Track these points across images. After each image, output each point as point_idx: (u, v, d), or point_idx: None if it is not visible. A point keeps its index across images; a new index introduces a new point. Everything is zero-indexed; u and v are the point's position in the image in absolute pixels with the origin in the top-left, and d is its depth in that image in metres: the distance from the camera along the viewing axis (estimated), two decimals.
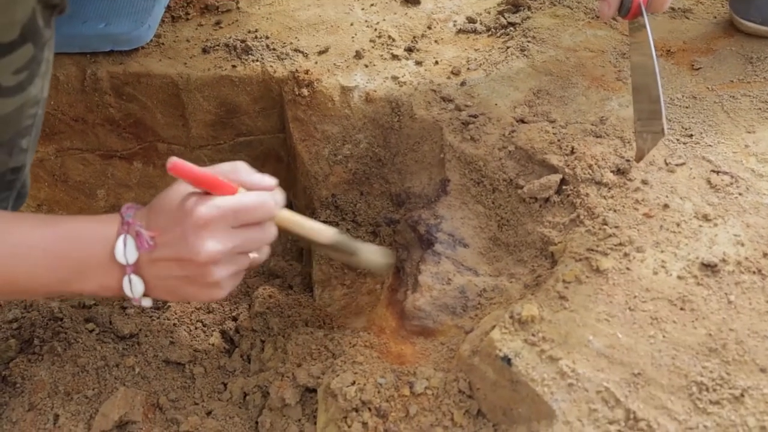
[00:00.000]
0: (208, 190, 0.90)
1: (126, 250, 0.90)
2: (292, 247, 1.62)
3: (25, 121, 0.99)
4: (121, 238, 0.90)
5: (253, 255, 0.99)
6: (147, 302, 0.96)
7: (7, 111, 0.94)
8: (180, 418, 1.24)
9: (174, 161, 0.87)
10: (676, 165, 1.13)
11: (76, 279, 0.91)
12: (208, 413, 1.25)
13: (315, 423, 1.13)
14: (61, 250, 0.89)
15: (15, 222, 0.89)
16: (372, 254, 1.09)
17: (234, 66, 1.49)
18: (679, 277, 0.97)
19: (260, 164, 1.64)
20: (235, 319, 1.45)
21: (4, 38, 0.87)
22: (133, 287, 0.92)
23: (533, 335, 0.95)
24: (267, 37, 1.54)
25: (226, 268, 0.94)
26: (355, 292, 1.38)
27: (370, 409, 1.04)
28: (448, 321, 1.16)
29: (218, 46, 1.54)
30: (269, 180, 0.97)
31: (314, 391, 1.17)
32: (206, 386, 1.31)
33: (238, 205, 0.92)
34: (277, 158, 1.64)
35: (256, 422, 1.22)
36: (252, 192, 0.94)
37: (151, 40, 1.55)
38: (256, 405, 1.24)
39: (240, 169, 0.95)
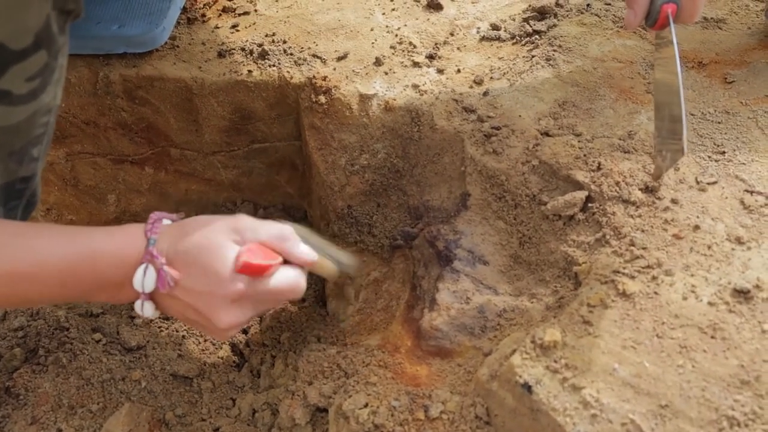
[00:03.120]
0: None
1: (144, 281, 0.91)
2: None
3: (36, 129, 0.97)
4: (142, 267, 0.91)
5: None
6: (154, 316, 0.98)
7: (19, 119, 0.92)
8: None
9: (244, 261, 0.93)
10: (708, 183, 1.09)
11: (91, 294, 0.93)
12: (216, 430, 1.23)
13: None
14: (78, 272, 0.89)
15: (34, 237, 0.88)
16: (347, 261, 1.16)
17: (250, 71, 1.46)
18: (710, 304, 0.92)
19: (275, 172, 1.62)
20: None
21: (17, 45, 0.84)
22: (144, 310, 0.95)
23: (555, 362, 0.91)
24: (284, 42, 1.51)
25: (237, 330, 1.00)
26: (369, 308, 1.35)
27: None
28: (466, 342, 1.12)
29: (234, 49, 1.51)
30: (311, 256, 1.04)
31: (325, 410, 1.14)
32: (214, 402, 1.29)
33: (275, 288, 0.98)
34: (292, 166, 1.60)
35: None
36: (290, 273, 1.01)
37: (166, 43, 1.52)
38: (265, 423, 1.21)
39: (288, 238, 1.01)
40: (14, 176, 0.98)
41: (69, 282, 0.88)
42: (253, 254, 0.95)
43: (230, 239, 0.96)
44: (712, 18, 1.49)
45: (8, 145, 0.93)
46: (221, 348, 1.39)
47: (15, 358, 1.28)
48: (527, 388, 0.90)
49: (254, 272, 0.95)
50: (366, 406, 1.04)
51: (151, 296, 0.94)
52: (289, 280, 1.00)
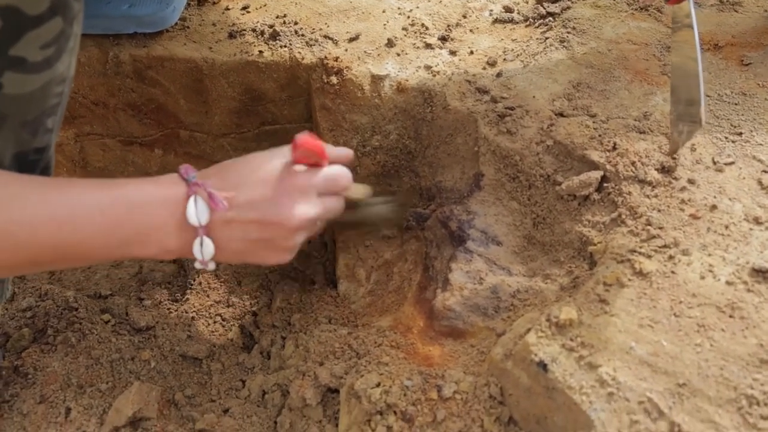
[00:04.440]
0: (306, 162, 0.97)
1: (198, 211, 0.89)
2: (316, 240, 1.58)
3: (51, 99, 0.95)
4: (191, 200, 0.89)
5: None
6: (212, 266, 0.95)
7: (33, 88, 0.90)
8: (196, 415, 1.20)
9: (302, 137, 0.93)
10: (725, 164, 1.08)
11: (138, 243, 0.89)
12: (225, 411, 1.22)
13: (337, 425, 1.10)
14: (121, 213, 0.86)
15: (69, 186, 0.87)
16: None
17: (261, 52, 1.45)
18: (728, 283, 0.91)
19: None
20: (255, 314, 1.41)
21: (33, 10, 0.83)
22: (204, 249, 0.91)
23: (571, 340, 0.90)
24: (296, 23, 1.50)
25: (305, 234, 0.99)
26: (380, 289, 1.34)
27: (395, 413, 1.00)
28: (479, 322, 1.11)
29: (245, 30, 1.50)
30: (348, 151, 1.07)
31: (336, 391, 1.13)
32: (224, 383, 1.28)
33: (330, 174, 0.99)
34: None
35: (275, 422, 1.19)
36: (335, 165, 1.02)
37: (176, 24, 1.51)
38: (275, 404, 1.20)
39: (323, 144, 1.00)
40: (28, 147, 0.97)
41: (116, 226, 0.86)
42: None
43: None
44: (728, 0, 1.47)
45: (21, 114, 0.91)
46: (231, 329, 1.39)
47: (23, 338, 1.27)
48: (543, 366, 0.89)
49: (311, 149, 0.95)
50: (378, 385, 1.03)
51: (208, 232, 0.91)
52: (338, 167, 1.02)
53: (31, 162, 1.00)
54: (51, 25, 0.86)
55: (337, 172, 1.01)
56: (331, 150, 1.02)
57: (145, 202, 0.88)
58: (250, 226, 0.92)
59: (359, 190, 1.14)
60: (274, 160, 0.95)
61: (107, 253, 0.89)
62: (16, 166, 0.96)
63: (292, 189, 0.93)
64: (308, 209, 0.95)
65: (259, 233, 0.93)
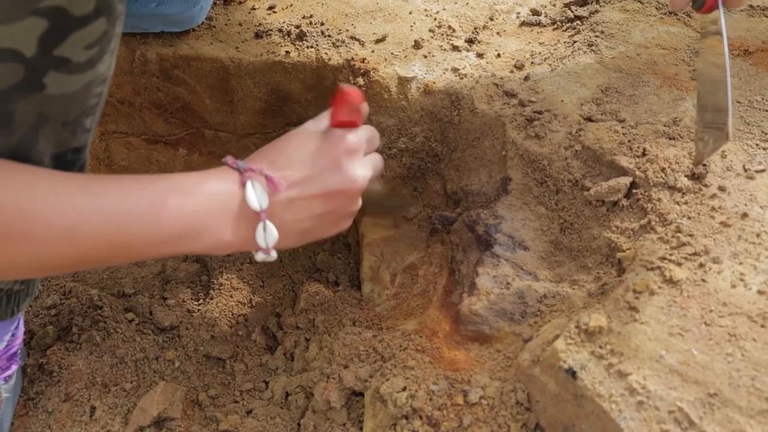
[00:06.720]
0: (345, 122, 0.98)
1: (257, 194, 0.88)
2: (340, 242, 1.58)
3: (91, 99, 0.95)
4: (249, 184, 0.88)
5: None
6: (274, 254, 0.93)
7: (75, 88, 0.90)
8: (219, 416, 1.20)
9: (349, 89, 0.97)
10: (756, 171, 1.07)
11: (190, 237, 0.87)
12: (249, 412, 1.22)
13: (361, 428, 1.09)
14: (171, 207, 0.85)
15: (115, 180, 0.86)
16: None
17: (287, 52, 1.45)
18: (760, 292, 0.90)
19: None
20: (278, 315, 1.41)
21: (79, 11, 0.82)
22: (268, 236, 0.90)
23: (601, 347, 0.89)
24: (322, 23, 1.50)
25: (365, 184, 1.00)
26: (405, 292, 1.33)
27: (421, 417, 1.00)
28: (505, 327, 1.11)
29: (272, 30, 1.50)
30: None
31: (361, 394, 1.13)
32: (247, 384, 1.28)
33: (369, 133, 1.02)
34: None
35: (299, 424, 1.18)
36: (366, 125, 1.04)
37: (203, 23, 1.51)
38: (298, 406, 1.20)
39: None
40: (66, 146, 0.96)
41: (158, 220, 0.84)
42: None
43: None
44: (758, 6, 1.46)
45: (63, 114, 0.91)
46: (254, 330, 1.39)
47: (48, 335, 1.28)
48: (571, 373, 0.88)
49: (357, 101, 0.97)
50: (404, 389, 1.03)
51: (270, 217, 0.89)
52: (369, 126, 1.04)
53: (68, 162, 0.99)
54: (95, 26, 0.85)
55: (372, 130, 1.04)
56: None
57: (195, 194, 0.87)
58: (315, 201, 0.92)
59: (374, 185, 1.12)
60: (314, 131, 0.96)
61: (157, 249, 0.87)
62: (54, 165, 0.96)
63: (346, 153, 0.94)
64: (365, 169, 0.97)
65: (324, 206, 0.93)
